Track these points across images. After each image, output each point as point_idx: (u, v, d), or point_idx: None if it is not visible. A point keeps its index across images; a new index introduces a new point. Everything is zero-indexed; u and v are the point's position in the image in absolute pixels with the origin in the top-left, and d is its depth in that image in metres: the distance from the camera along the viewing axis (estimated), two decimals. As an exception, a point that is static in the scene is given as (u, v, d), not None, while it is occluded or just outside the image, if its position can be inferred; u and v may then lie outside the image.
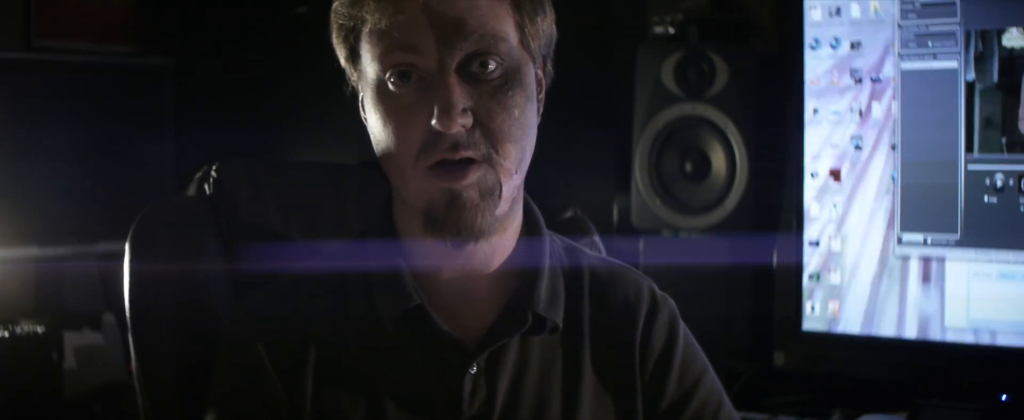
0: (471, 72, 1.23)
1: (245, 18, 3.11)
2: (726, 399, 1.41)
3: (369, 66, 1.26)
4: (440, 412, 1.29)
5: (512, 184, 1.27)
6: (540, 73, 1.32)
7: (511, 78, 1.25)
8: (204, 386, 1.33)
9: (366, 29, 1.25)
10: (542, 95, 1.33)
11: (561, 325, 1.34)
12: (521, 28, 1.26)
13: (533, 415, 1.31)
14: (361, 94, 1.32)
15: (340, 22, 1.28)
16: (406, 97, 1.24)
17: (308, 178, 1.63)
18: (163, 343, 1.42)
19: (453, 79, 1.22)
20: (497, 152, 1.24)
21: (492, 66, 1.24)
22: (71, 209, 2.86)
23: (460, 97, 1.22)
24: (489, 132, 1.23)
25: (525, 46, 1.27)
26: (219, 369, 1.32)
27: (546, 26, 1.30)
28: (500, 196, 1.26)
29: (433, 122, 1.21)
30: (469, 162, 1.23)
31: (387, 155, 1.27)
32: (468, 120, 1.22)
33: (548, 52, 1.32)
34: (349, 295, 1.33)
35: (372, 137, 1.29)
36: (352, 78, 1.31)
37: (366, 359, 1.30)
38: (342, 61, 1.31)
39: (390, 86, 1.24)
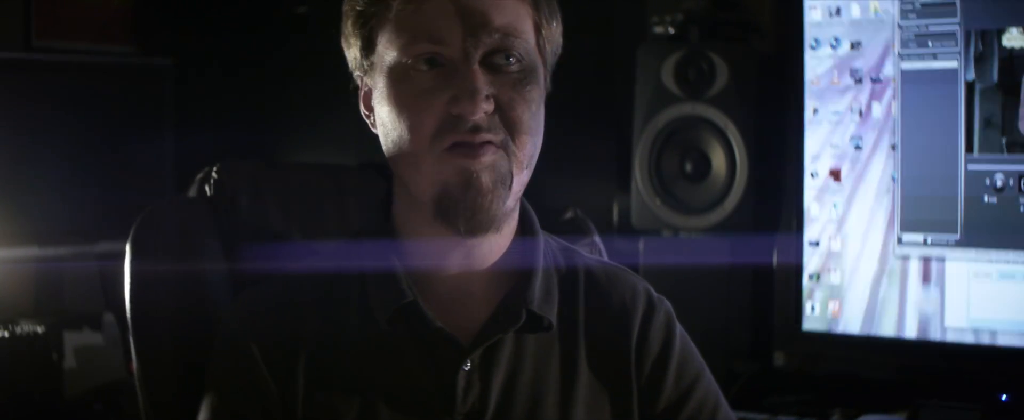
0: (493, 63, 1.26)
1: (245, 18, 3.11)
2: (723, 400, 1.41)
3: (388, 54, 1.27)
4: (433, 409, 1.29)
5: (521, 178, 1.29)
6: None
7: (529, 73, 1.28)
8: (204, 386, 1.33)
9: (389, 16, 1.27)
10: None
11: (555, 323, 1.34)
12: (538, 30, 1.30)
13: (527, 413, 1.31)
14: (364, 89, 1.33)
15: (359, 9, 1.29)
16: (425, 81, 1.26)
17: (308, 179, 1.63)
18: (163, 343, 1.43)
19: (477, 67, 1.25)
20: (514, 141, 1.27)
21: (513, 60, 1.27)
22: (71, 209, 2.86)
23: (484, 84, 1.24)
24: (508, 120, 1.26)
25: (540, 49, 1.30)
26: (213, 366, 1.33)
27: (557, 34, 1.33)
28: (511, 187, 1.27)
29: (455, 109, 1.24)
30: (487, 144, 1.25)
31: (399, 141, 1.27)
32: (490, 106, 1.25)
33: (553, 63, 1.34)
34: (343, 293, 1.33)
35: (382, 127, 1.29)
36: (360, 69, 1.32)
37: (359, 357, 1.31)
38: (354, 51, 1.31)
39: (410, 71, 1.26)
